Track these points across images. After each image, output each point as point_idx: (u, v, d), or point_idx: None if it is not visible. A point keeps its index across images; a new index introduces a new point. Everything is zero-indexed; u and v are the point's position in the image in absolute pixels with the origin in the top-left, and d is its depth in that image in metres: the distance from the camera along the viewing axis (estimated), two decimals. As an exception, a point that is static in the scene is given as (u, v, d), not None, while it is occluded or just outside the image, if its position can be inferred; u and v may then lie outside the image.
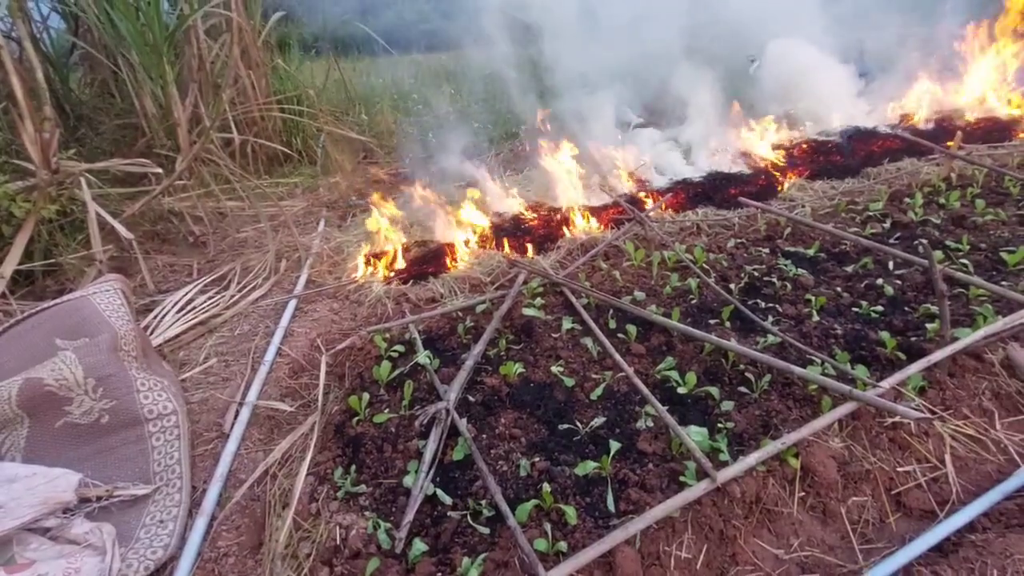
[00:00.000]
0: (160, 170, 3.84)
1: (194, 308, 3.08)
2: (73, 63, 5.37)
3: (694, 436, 1.81)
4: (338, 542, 1.66)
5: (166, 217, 4.06)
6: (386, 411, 2.11)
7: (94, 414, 2.07)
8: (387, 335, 2.55)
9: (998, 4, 5.40)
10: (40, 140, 3.26)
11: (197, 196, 4.16)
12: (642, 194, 4.12)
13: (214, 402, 2.40)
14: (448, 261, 3.36)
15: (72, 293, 2.62)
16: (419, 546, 1.59)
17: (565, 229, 3.65)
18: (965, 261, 2.78)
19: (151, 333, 2.84)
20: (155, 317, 2.98)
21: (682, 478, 1.71)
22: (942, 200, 3.56)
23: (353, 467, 1.91)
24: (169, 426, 2.14)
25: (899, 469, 1.83)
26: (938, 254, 2.85)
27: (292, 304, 3.06)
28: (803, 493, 1.76)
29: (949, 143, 4.49)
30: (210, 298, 3.17)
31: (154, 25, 4.29)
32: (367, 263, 3.44)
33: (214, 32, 5.00)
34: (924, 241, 2.22)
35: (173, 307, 3.06)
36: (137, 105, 4.55)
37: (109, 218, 3.31)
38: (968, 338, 2.13)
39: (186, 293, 3.18)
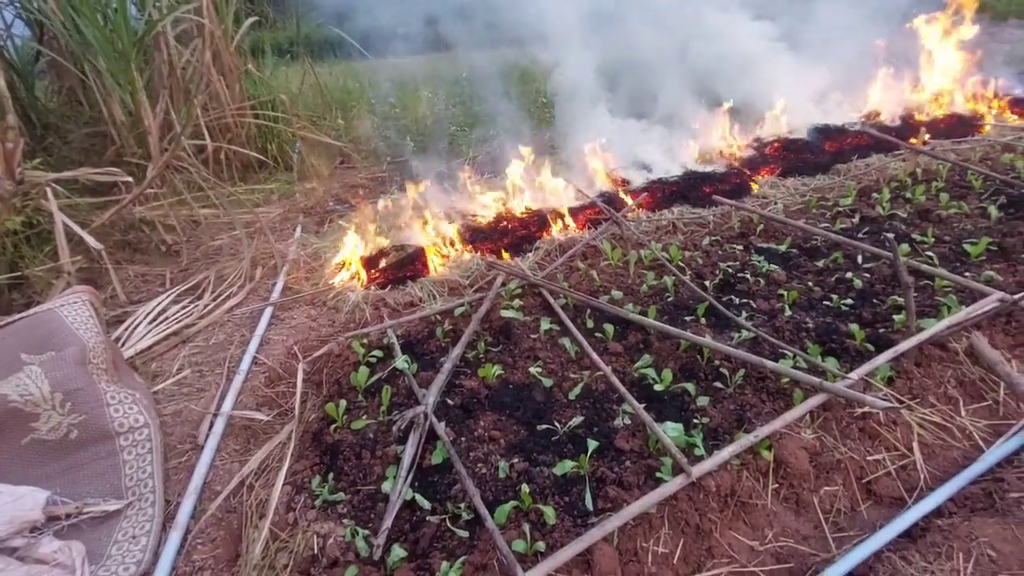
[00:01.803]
0: (130, 179, 3.76)
1: (167, 318, 3.02)
2: (39, 71, 5.23)
3: (670, 432, 1.83)
4: (316, 551, 1.64)
5: (137, 226, 3.97)
6: (364, 417, 2.10)
7: (62, 430, 2.02)
8: (365, 340, 2.54)
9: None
10: (3, 150, 3.18)
11: (169, 204, 4.08)
12: (620, 193, 4.15)
13: (188, 414, 2.36)
14: (426, 265, 3.35)
15: (39, 306, 2.56)
16: (398, 552, 1.58)
17: (543, 230, 3.66)
18: (930, 253, 2.85)
19: (123, 345, 2.78)
20: (127, 329, 2.92)
21: (658, 474, 1.73)
22: (908, 195, 3.66)
23: (331, 475, 1.89)
24: (141, 439, 2.10)
25: (869, 458, 1.88)
26: (904, 247, 2.93)
27: (268, 312, 3.02)
28: (776, 485, 1.80)
29: (914, 139, 4.62)
30: (184, 308, 3.12)
31: (121, 31, 4.20)
32: (344, 268, 3.42)
33: (185, 38, 4.90)
34: (890, 235, 2.28)
35: (145, 318, 3.00)
36: (106, 113, 4.44)
37: (77, 229, 3.23)
38: (933, 328, 2.19)
39: (159, 303, 3.12)
